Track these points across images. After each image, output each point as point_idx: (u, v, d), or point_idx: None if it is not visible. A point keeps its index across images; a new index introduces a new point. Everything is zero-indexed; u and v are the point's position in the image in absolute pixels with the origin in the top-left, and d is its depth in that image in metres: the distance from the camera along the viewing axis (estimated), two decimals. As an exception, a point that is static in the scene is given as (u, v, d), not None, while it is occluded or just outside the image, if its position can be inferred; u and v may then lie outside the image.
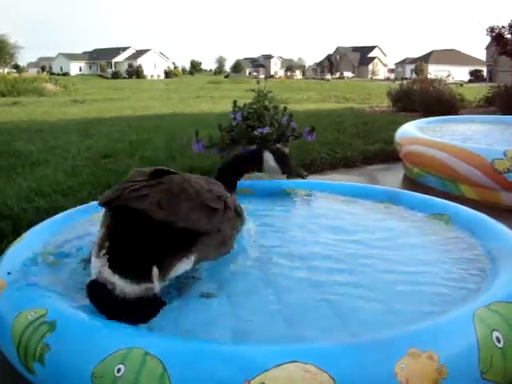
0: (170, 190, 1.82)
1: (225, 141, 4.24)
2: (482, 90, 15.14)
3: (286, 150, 4.34)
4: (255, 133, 4.07)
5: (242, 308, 1.87)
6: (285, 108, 4.37)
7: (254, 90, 4.45)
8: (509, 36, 13.07)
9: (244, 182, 3.65)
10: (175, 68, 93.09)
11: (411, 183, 5.07)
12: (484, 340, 1.58)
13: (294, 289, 2.03)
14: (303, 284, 2.06)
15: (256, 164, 2.77)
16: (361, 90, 27.13)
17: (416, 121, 6.06)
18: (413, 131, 5.20)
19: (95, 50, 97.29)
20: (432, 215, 2.89)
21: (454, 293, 1.98)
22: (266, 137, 4.10)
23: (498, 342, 1.60)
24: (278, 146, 4.21)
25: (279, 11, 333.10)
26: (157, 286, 1.67)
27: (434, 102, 10.80)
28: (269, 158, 2.75)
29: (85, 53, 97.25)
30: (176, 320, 1.76)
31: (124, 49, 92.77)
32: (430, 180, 4.72)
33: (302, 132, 4.27)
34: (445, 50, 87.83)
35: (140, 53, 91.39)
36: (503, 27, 13.34)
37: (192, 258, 1.86)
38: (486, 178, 4.09)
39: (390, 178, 5.35)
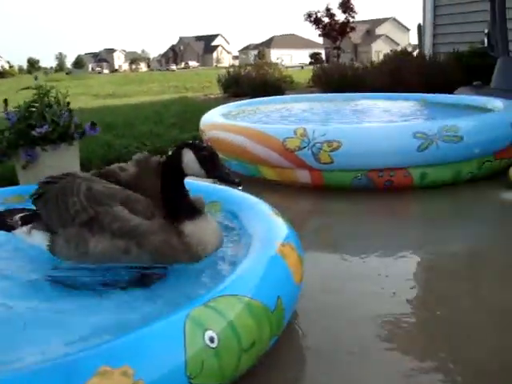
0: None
1: (3, 144, 3.84)
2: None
3: (73, 152, 4.04)
4: (33, 133, 3.72)
5: None
6: (68, 103, 4.05)
7: (31, 88, 4.06)
8: (326, 19, 13.66)
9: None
10: (10, 67, 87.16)
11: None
12: (193, 342, 1.44)
13: None
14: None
15: (178, 170, 2.13)
16: (203, 79, 27.04)
17: (223, 105, 6.00)
18: (214, 117, 5.11)
19: None
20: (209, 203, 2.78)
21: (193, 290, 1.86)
22: (47, 136, 3.77)
23: (212, 341, 1.48)
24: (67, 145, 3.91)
25: (119, 2, 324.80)
26: None
27: (260, 85, 10.99)
28: (188, 158, 2.10)
29: None
30: None
31: None
32: (234, 165, 4.65)
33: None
34: (285, 35, 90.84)
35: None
36: (319, 11, 13.91)
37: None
38: (280, 157, 4.08)
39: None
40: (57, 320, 1.77)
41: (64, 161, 3.95)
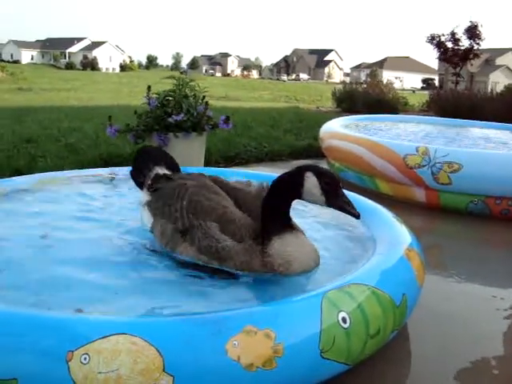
0: None
1: (140, 127, 4.16)
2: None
3: (201, 142, 4.29)
4: (169, 120, 4.01)
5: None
6: (203, 97, 4.31)
7: (174, 77, 4.38)
8: (449, 44, 13.43)
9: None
10: (131, 62, 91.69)
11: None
12: (328, 320, 1.56)
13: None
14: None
15: (295, 192, 2.03)
16: (313, 92, 27.29)
17: (343, 117, 6.11)
18: (334, 126, 5.23)
19: (48, 39, 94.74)
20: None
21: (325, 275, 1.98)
22: (180, 124, 4.05)
23: (344, 322, 1.59)
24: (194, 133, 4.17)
25: (238, 10, 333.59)
26: None
27: (374, 103, 10.99)
28: (311, 183, 1.99)
29: (38, 41, 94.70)
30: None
31: (79, 39, 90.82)
32: (349, 175, 4.75)
33: (217, 122, 4.22)
34: (399, 57, 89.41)
35: (95, 44, 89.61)
36: (443, 35, 13.69)
37: None
38: (399, 173, 4.13)
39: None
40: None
41: (192, 149, 4.23)
